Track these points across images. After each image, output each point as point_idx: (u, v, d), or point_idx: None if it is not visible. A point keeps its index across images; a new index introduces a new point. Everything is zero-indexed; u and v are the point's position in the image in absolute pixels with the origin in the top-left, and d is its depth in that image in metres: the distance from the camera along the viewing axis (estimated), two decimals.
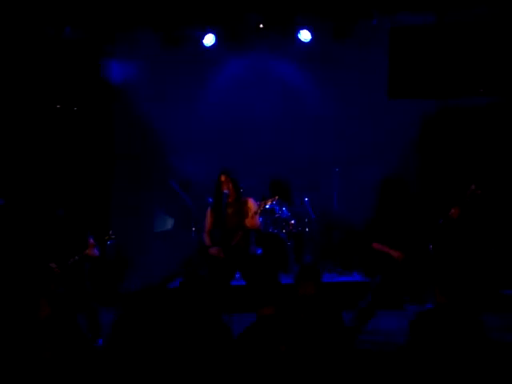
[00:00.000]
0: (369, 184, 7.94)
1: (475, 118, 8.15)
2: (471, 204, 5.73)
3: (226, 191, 6.22)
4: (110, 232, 6.44)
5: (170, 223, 9.32)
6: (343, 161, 8.82)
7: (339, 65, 8.66)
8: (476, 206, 5.82)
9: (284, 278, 7.76)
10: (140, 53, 8.64)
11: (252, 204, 6.26)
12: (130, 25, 8.13)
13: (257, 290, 6.15)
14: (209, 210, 6.47)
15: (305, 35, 8.39)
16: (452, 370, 4.31)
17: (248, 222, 6.11)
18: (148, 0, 7.64)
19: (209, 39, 8.43)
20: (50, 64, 7.96)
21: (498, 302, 7.26)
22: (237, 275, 6.55)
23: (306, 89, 8.94)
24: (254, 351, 4.76)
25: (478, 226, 7.85)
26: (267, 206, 8.01)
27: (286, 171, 8.71)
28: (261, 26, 8.22)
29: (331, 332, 4.80)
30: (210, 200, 6.80)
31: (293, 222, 8.48)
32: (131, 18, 7.92)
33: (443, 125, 8.25)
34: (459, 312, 4.52)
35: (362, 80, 8.50)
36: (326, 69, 8.76)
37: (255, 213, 6.13)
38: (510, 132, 8.06)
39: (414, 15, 7.66)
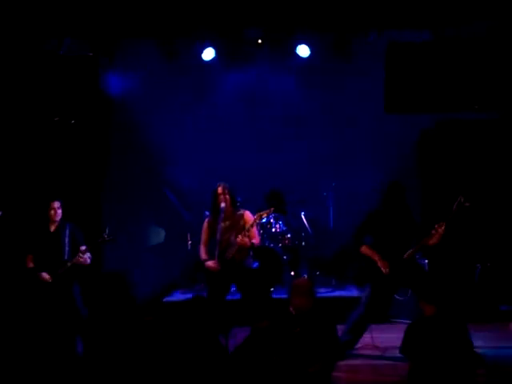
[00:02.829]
0: (365, 198, 7.98)
1: (472, 132, 8.18)
2: (459, 216, 5.68)
3: (223, 204, 6.23)
4: (105, 234, 6.36)
5: (165, 236, 9.31)
6: (340, 175, 8.84)
7: (337, 79, 8.72)
8: (465, 218, 5.78)
9: (279, 292, 7.77)
10: (139, 65, 8.67)
11: (249, 217, 6.26)
12: (129, 37, 8.17)
13: (252, 303, 6.19)
14: (205, 223, 6.46)
15: (303, 50, 8.45)
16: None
17: (242, 240, 6.08)
18: (148, 13, 7.67)
19: (208, 54, 8.46)
20: (49, 77, 7.97)
21: (496, 318, 7.26)
22: (232, 288, 6.56)
23: (303, 103, 8.98)
24: (248, 364, 4.77)
25: (470, 239, 7.85)
26: (263, 220, 8.04)
27: (283, 184, 8.74)
28: (259, 41, 8.28)
29: (325, 346, 4.80)
30: (207, 213, 6.81)
31: (289, 235, 8.47)
32: (130, 31, 7.95)
33: (440, 139, 8.28)
34: (446, 324, 4.60)
35: (360, 94, 8.56)
36: (325, 83, 8.81)
37: (251, 225, 6.14)
38: (506, 146, 8.10)
39: (411, 32, 7.72)
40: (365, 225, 6.06)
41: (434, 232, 5.70)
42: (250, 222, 6.16)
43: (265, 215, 6.32)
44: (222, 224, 6.24)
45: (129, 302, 5.09)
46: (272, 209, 6.39)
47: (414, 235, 5.88)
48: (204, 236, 6.43)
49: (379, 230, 5.97)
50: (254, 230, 6.26)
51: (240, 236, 6.07)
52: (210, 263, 6.24)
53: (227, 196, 6.25)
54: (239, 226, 6.20)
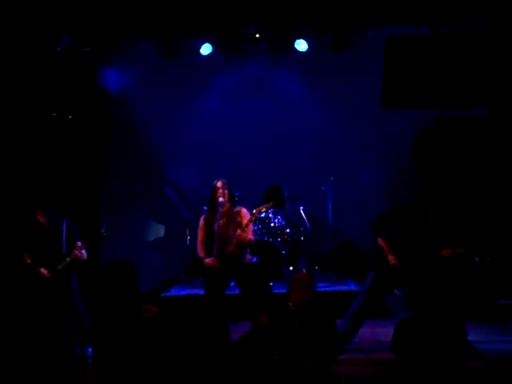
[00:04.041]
0: (363, 193, 8.00)
1: (470, 129, 8.19)
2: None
3: (221, 199, 6.23)
4: (102, 229, 6.35)
5: (163, 232, 9.31)
6: (338, 170, 8.84)
7: (335, 74, 8.72)
8: (464, 213, 5.80)
9: (279, 287, 7.78)
10: (137, 62, 8.66)
11: (245, 214, 6.27)
12: (127, 34, 8.15)
13: (251, 298, 6.20)
14: (202, 220, 6.45)
15: (302, 45, 8.43)
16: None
17: (240, 234, 6.09)
18: (146, 10, 7.66)
19: (206, 48, 8.45)
20: (48, 73, 7.95)
21: (494, 312, 7.28)
22: (231, 283, 6.56)
23: (302, 98, 8.98)
24: (248, 360, 4.77)
25: (469, 234, 7.86)
26: (262, 215, 8.05)
27: (281, 180, 8.74)
28: (257, 35, 8.26)
29: (324, 340, 4.81)
30: (205, 208, 6.81)
31: (288, 230, 8.48)
32: (129, 28, 7.94)
33: (438, 137, 8.28)
34: (436, 322, 4.59)
35: (358, 90, 8.55)
36: (323, 78, 8.81)
37: (250, 220, 6.15)
38: (504, 143, 8.10)
39: (409, 27, 7.72)
40: (387, 217, 6.11)
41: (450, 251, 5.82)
42: (247, 219, 6.18)
43: (264, 210, 6.34)
44: (220, 221, 6.24)
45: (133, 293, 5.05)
46: (271, 203, 6.40)
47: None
48: (201, 233, 6.42)
49: (400, 226, 6.00)
50: (251, 227, 6.28)
51: (239, 230, 6.08)
52: (208, 261, 6.23)
53: (226, 191, 6.27)
54: (236, 223, 6.21)
